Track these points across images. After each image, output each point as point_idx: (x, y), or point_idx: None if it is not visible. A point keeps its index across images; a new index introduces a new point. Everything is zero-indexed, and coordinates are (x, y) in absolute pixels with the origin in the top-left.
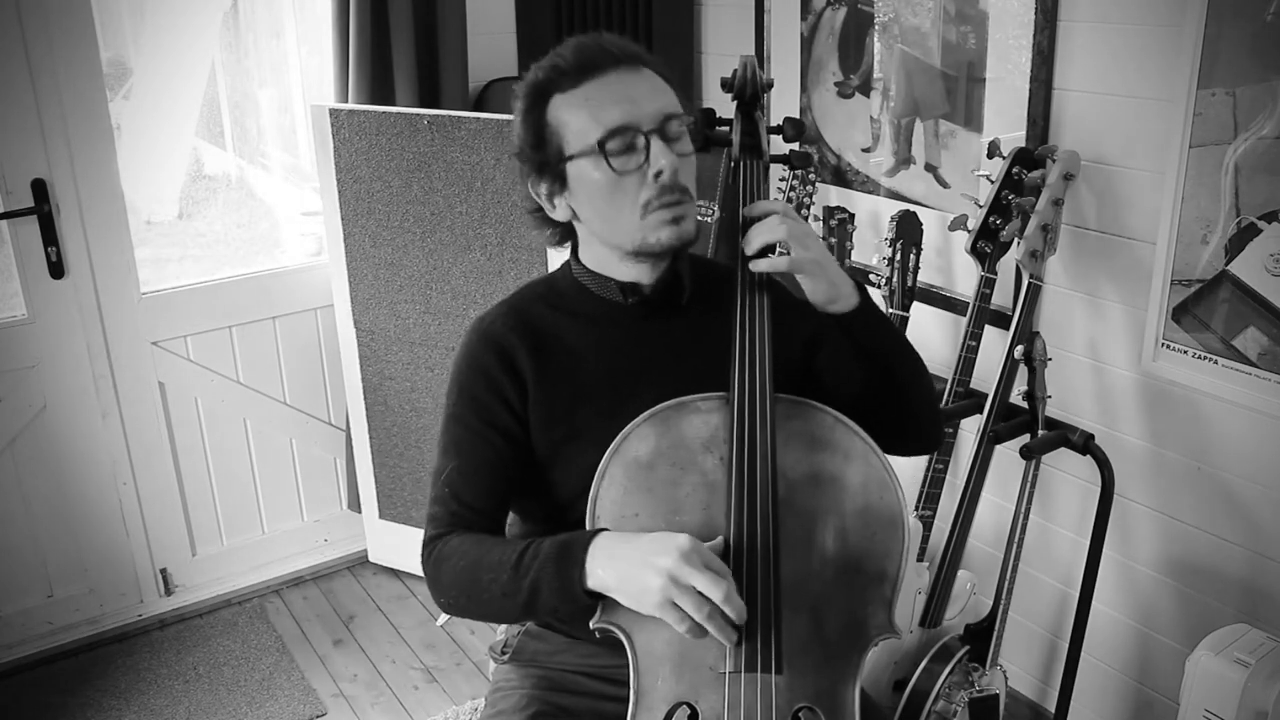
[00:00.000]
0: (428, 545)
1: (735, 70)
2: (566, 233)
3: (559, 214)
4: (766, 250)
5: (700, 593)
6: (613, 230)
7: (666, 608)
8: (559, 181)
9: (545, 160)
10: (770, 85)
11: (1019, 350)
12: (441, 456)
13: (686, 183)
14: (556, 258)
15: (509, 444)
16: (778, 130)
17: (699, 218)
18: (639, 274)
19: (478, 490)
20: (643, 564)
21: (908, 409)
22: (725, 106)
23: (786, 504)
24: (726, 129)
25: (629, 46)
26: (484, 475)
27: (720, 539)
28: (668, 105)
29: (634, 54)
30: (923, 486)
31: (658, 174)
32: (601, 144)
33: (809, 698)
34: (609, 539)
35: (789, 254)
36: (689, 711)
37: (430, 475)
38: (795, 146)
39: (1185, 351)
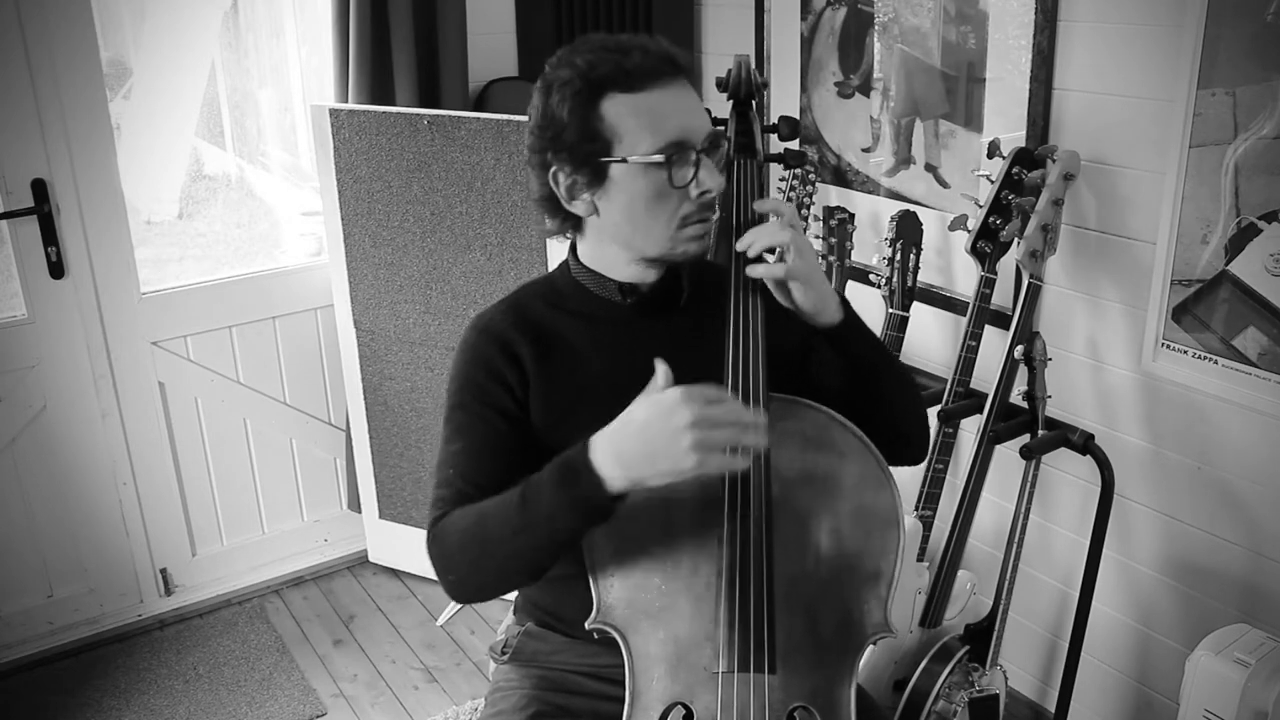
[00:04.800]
0: (432, 527)
1: (730, 70)
2: (571, 225)
3: (578, 208)
4: (764, 254)
5: (726, 423)
6: (640, 236)
7: (709, 459)
8: (595, 178)
9: (586, 155)
10: (765, 85)
11: (1019, 350)
12: (445, 445)
13: (723, 188)
14: (556, 258)
15: (511, 427)
16: (773, 129)
17: None
18: (640, 275)
19: (482, 470)
20: (661, 435)
21: (893, 420)
22: (721, 107)
23: (780, 503)
24: (722, 128)
25: (686, 58)
26: (488, 457)
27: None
28: (709, 124)
29: (688, 68)
30: (923, 486)
31: (703, 192)
32: (667, 156)
33: (804, 697)
34: (603, 441)
35: (785, 260)
36: (684, 711)
37: (433, 470)
38: (791, 145)
39: (1185, 351)
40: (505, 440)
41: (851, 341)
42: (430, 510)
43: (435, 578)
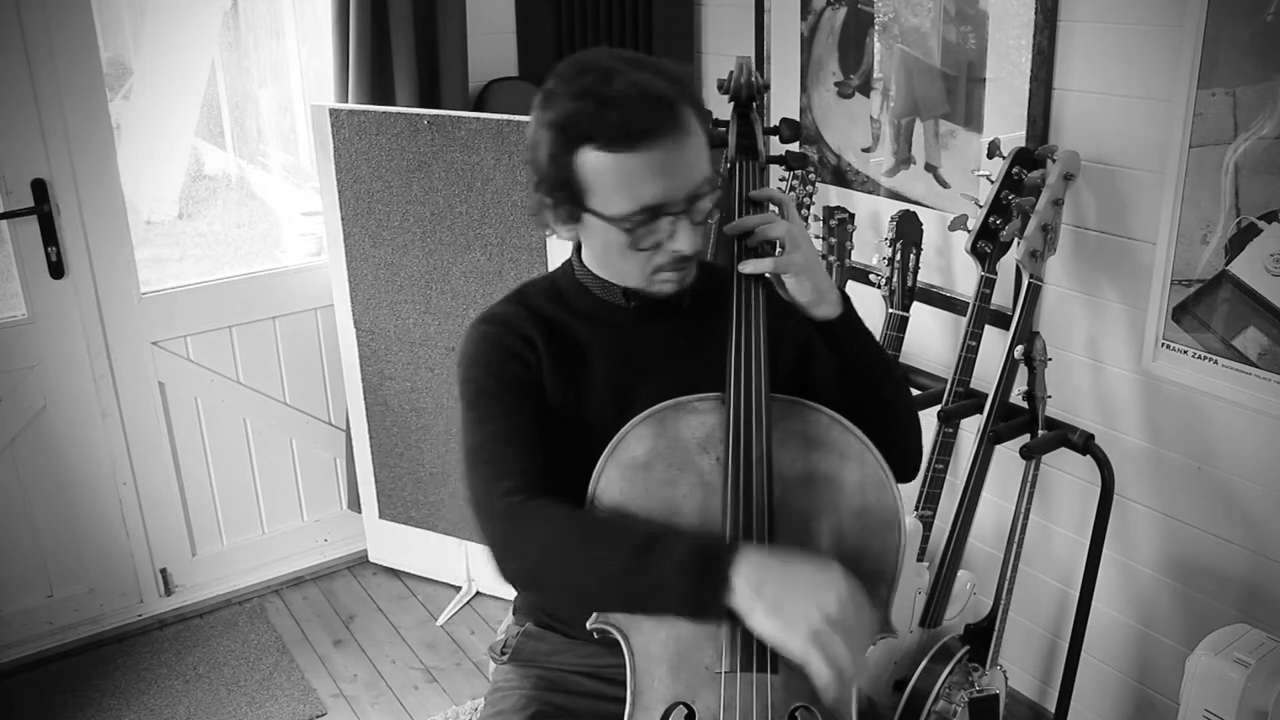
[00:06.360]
0: (505, 496)
1: (732, 72)
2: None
3: (564, 234)
4: (760, 247)
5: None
6: (615, 274)
7: (812, 651)
8: (572, 216)
9: (563, 197)
10: (766, 87)
11: (1019, 350)
12: (476, 429)
13: (699, 248)
14: (556, 258)
15: (537, 405)
16: (774, 131)
17: None
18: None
19: (529, 449)
20: (799, 600)
21: (889, 428)
22: (723, 108)
23: (782, 504)
24: (724, 130)
25: (676, 105)
26: (528, 436)
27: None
28: (701, 175)
29: (680, 116)
30: (923, 486)
31: (675, 250)
32: (629, 223)
33: (806, 697)
34: (760, 559)
35: (781, 252)
36: (686, 711)
37: (466, 450)
38: (792, 147)
39: (1185, 351)
40: (537, 419)
41: (847, 340)
42: (486, 484)
43: (435, 577)
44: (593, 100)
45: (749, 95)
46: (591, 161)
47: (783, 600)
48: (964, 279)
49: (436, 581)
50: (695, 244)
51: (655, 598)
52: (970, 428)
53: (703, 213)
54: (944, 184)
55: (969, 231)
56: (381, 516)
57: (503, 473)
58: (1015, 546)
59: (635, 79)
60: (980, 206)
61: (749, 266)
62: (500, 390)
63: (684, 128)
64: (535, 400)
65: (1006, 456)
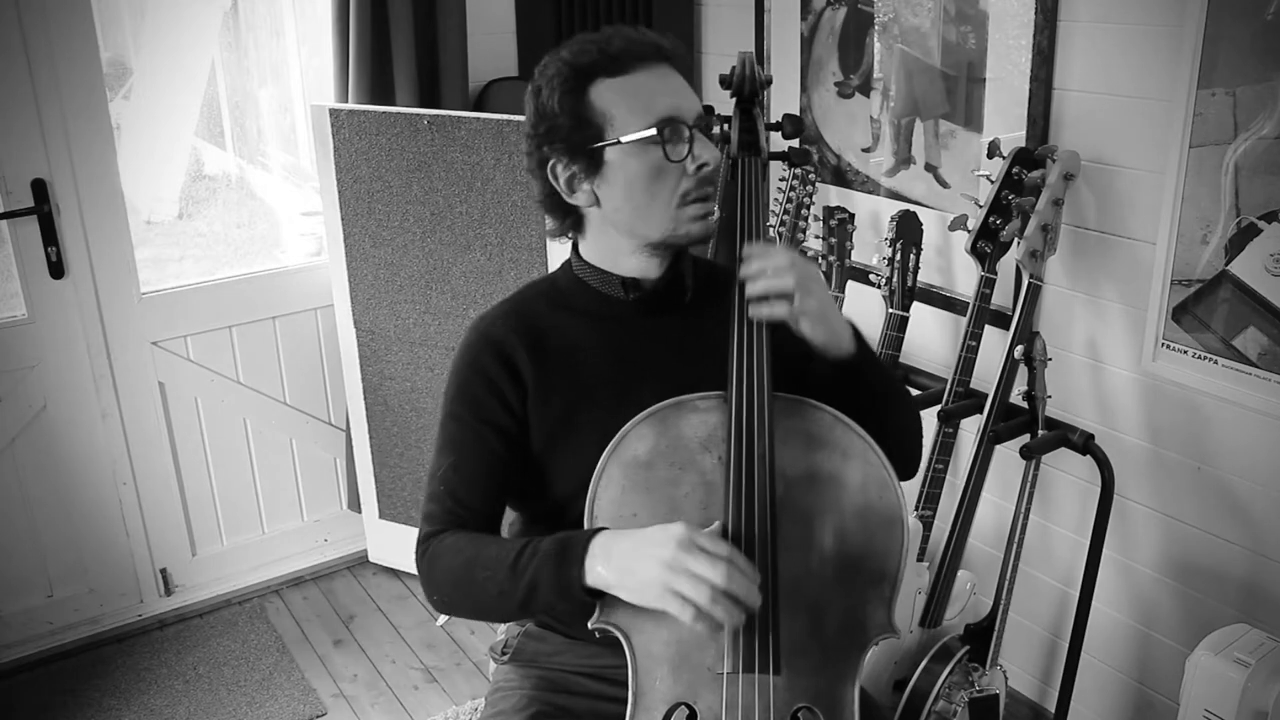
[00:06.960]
0: (423, 542)
1: (734, 67)
2: (574, 223)
3: (579, 199)
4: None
5: (701, 578)
6: (643, 218)
7: (668, 598)
8: (591, 166)
9: (580, 143)
10: (769, 82)
11: (1019, 350)
12: (438, 455)
13: (717, 180)
14: (556, 258)
15: (506, 443)
16: (776, 127)
17: None
18: (644, 269)
19: (473, 488)
20: (641, 557)
21: (897, 446)
22: (724, 104)
23: (785, 503)
24: (725, 126)
25: (673, 42)
26: (480, 473)
27: (717, 524)
28: (700, 107)
29: (675, 53)
30: (923, 486)
31: (700, 166)
32: (659, 131)
33: (808, 698)
34: (607, 536)
35: (792, 302)
36: (687, 712)
37: (426, 474)
38: (794, 143)
39: (1185, 351)
40: (499, 456)
41: (863, 374)
42: (421, 523)
43: None
44: (592, 42)
45: (752, 90)
46: (604, 91)
47: (629, 567)
48: (964, 279)
49: None
50: (717, 158)
51: (535, 596)
52: (970, 428)
53: (714, 138)
54: (944, 184)
55: (969, 231)
56: (381, 516)
57: (431, 513)
58: (1015, 546)
59: (624, 26)
60: (980, 206)
61: (763, 311)
62: (468, 418)
63: (676, 63)
64: (501, 437)
65: (1006, 456)
